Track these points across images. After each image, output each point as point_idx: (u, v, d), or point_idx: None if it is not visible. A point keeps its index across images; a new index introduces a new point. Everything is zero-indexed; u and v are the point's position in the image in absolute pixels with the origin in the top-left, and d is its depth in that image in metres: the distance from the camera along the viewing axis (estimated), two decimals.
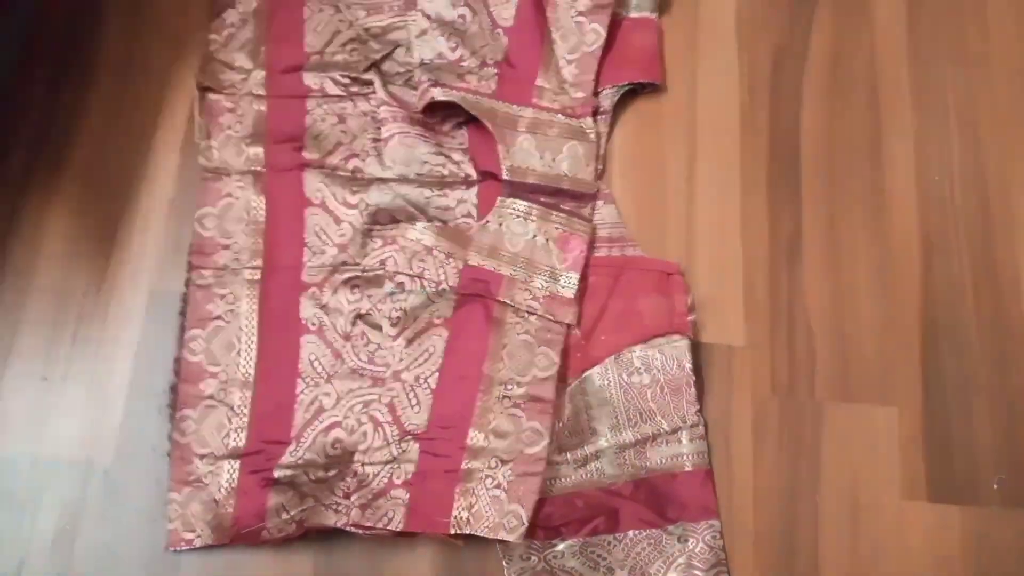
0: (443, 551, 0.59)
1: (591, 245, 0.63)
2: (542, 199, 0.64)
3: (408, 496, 0.57)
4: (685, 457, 0.60)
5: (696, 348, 0.62)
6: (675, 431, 0.60)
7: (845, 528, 0.61)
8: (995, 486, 0.63)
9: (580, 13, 0.67)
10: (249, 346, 0.61)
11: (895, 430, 0.64)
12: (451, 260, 0.62)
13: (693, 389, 0.61)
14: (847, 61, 0.73)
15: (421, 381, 0.60)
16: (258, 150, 0.65)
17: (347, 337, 0.61)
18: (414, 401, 0.59)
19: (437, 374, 0.60)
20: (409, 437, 0.58)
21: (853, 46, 0.73)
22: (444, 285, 0.61)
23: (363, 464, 0.58)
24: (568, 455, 0.60)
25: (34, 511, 0.59)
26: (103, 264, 0.65)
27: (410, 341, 0.60)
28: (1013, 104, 0.72)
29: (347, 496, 0.57)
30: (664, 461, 0.60)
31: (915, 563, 0.61)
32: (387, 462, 0.58)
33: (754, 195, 0.69)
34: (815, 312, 0.66)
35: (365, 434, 0.59)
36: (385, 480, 0.58)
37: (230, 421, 0.60)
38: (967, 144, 0.71)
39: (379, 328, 0.61)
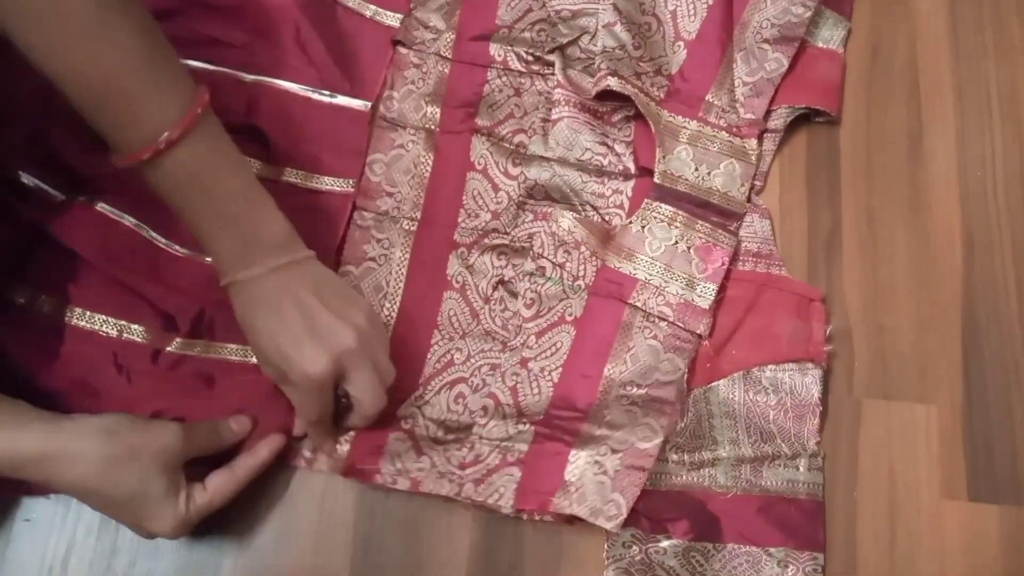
0: (479, 545, 0.60)
1: (734, 259, 0.64)
2: (689, 207, 0.65)
3: (520, 474, 0.59)
4: (800, 484, 0.60)
5: (827, 378, 0.63)
6: (795, 457, 0.61)
7: (883, 526, 0.62)
8: None
9: (766, 40, 0.68)
10: (396, 291, 0.64)
11: (934, 428, 0.64)
12: (593, 258, 0.63)
13: (817, 419, 0.61)
14: (887, 54, 0.73)
15: (546, 373, 0.62)
16: (436, 110, 0.68)
17: (487, 300, 0.64)
18: (536, 390, 0.61)
19: (561, 369, 0.62)
20: (526, 419, 0.60)
21: (893, 39, 0.73)
22: (581, 282, 0.63)
23: (480, 438, 0.60)
24: (685, 456, 0.61)
25: None
26: None
27: (541, 333, 0.62)
28: None
29: (463, 468, 0.59)
30: (779, 484, 0.60)
31: (953, 562, 0.61)
32: (502, 439, 0.60)
33: (792, 190, 0.69)
34: (854, 309, 0.66)
35: (486, 409, 0.61)
36: (499, 458, 0.60)
37: None
38: (1010, 140, 0.71)
39: (516, 296, 0.63)
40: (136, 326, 0.61)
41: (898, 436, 0.63)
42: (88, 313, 0.61)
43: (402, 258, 0.65)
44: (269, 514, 0.61)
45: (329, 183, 0.66)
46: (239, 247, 0.52)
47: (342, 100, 0.67)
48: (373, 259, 0.64)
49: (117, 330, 0.60)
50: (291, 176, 0.65)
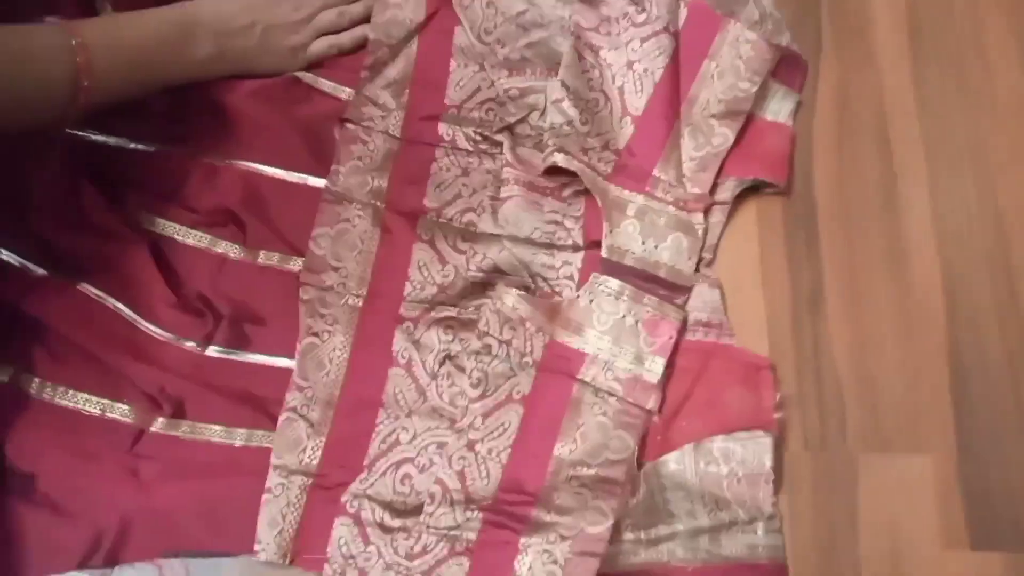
0: None
1: (681, 332, 0.64)
2: (636, 281, 0.65)
3: (469, 564, 0.58)
4: (761, 549, 0.60)
5: (778, 445, 0.63)
6: (752, 521, 0.60)
7: None
8: None
9: (713, 115, 0.69)
10: (339, 369, 0.63)
11: (931, 477, 0.64)
12: (540, 334, 0.63)
13: (770, 485, 0.61)
14: (855, 109, 0.74)
15: (494, 454, 0.61)
16: (382, 184, 0.68)
17: (433, 376, 0.63)
18: (484, 473, 0.60)
19: (510, 450, 0.61)
20: (474, 506, 0.60)
21: (860, 94, 0.74)
22: (528, 358, 0.63)
23: (427, 527, 0.59)
24: (641, 533, 0.60)
25: None
26: None
27: (488, 414, 0.62)
28: (1021, 141, 0.72)
29: (410, 559, 0.59)
30: (739, 551, 0.60)
31: None
32: (450, 528, 0.59)
33: (772, 247, 0.70)
34: (842, 362, 0.66)
35: (433, 496, 0.60)
36: (447, 548, 0.59)
37: (308, 438, 0.61)
38: (982, 185, 0.71)
39: (464, 371, 0.63)
40: (120, 404, 0.62)
41: (896, 487, 0.63)
42: (71, 391, 0.61)
43: (346, 335, 0.64)
44: None
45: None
46: None
47: (314, 181, 0.68)
48: (316, 335, 0.64)
49: (100, 408, 0.61)
50: (268, 259, 0.66)
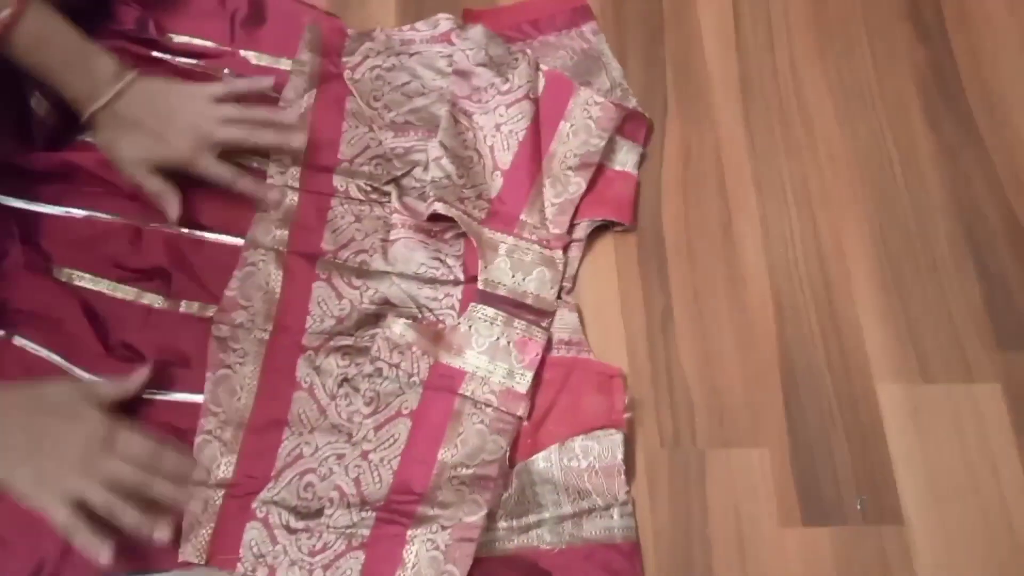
0: None
1: (546, 350, 0.75)
2: (508, 309, 0.75)
3: (364, 556, 0.66)
4: (616, 530, 0.70)
5: (629, 441, 0.73)
6: (608, 507, 0.70)
7: (734, 558, 0.71)
8: (858, 507, 0.73)
9: (569, 168, 0.81)
10: (249, 395, 0.71)
11: (768, 468, 0.74)
12: (425, 356, 0.72)
13: (623, 476, 0.71)
14: (696, 159, 0.86)
15: (385, 462, 0.69)
16: (284, 233, 0.76)
17: (333, 396, 0.72)
18: (377, 479, 0.69)
19: (399, 457, 0.70)
20: (368, 507, 0.68)
21: (700, 146, 0.87)
22: (415, 378, 0.72)
23: (327, 527, 0.67)
24: (514, 521, 0.69)
25: None
26: None
27: (380, 427, 0.70)
28: (836, 182, 0.86)
29: (312, 555, 0.66)
30: (597, 532, 0.69)
31: None
32: (347, 527, 0.67)
33: (628, 277, 0.81)
34: (690, 373, 0.77)
35: (332, 500, 0.68)
36: (344, 544, 0.67)
37: (222, 455, 0.69)
38: (804, 220, 0.84)
39: (359, 392, 0.72)
40: None
41: (738, 478, 0.73)
42: None
43: (255, 365, 0.72)
44: None
45: None
46: (88, 85, 0.69)
47: (225, 239, 0.76)
48: (229, 366, 0.71)
49: None
50: (188, 308, 0.73)
